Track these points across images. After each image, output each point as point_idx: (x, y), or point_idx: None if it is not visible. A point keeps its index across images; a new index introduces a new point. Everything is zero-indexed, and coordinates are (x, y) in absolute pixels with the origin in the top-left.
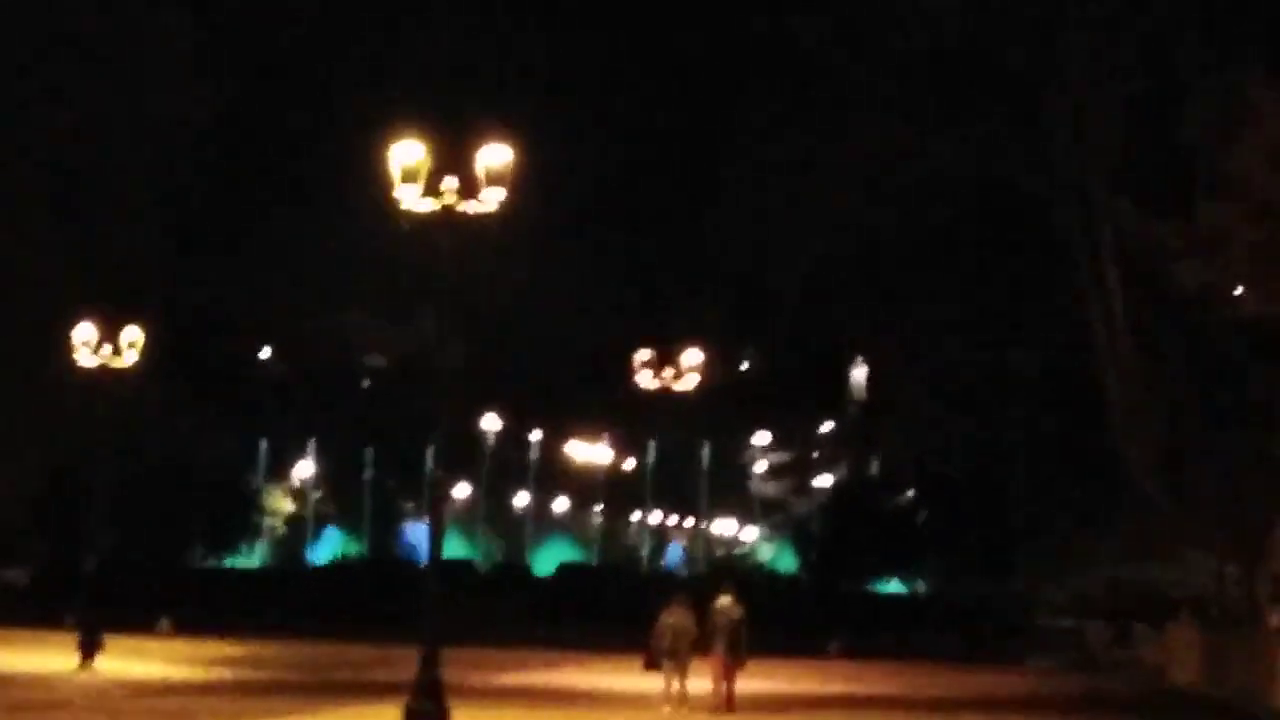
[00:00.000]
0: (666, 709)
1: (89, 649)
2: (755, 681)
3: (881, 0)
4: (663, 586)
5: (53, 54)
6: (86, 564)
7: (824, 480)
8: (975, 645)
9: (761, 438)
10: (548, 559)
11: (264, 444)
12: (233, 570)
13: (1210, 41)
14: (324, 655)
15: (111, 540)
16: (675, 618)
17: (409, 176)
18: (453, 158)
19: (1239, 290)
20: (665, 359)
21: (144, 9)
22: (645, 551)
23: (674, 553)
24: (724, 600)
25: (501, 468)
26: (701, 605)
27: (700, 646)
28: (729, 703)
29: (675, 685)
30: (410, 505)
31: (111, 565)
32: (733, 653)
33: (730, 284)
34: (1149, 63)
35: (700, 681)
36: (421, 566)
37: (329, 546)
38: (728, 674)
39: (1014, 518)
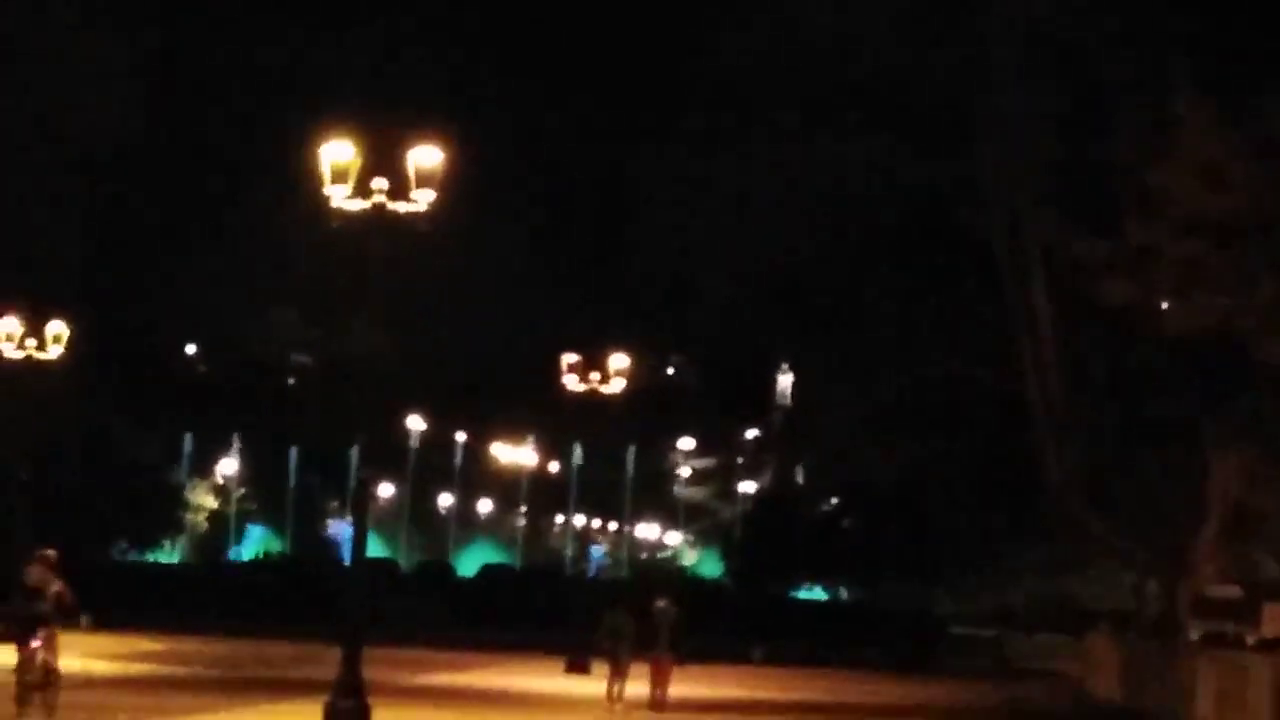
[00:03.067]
0: (618, 707)
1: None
2: (681, 687)
3: (809, 17)
4: (587, 590)
5: None
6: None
7: (748, 486)
8: (897, 653)
9: (686, 443)
10: (471, 560)
11: (188, 440)
12: (154, 565)
13: (1138, 58)
14: (245, 652)
15: (32, 534)
16: (614, 621)
17: (339, 176)
18: (383, 158)
19: (1164, 306)
20: (592, 363)
21: (71, 10)
22: (569, 554)
23: (596, 556)
24: (661, 603)
25: (426, 468)
26: (636, 609)
27: (641, 647)
28: (662, 702)
29: (616, 687)
30: (334, 504)
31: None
32: (673, 651)
33: (657, 289)
34: (1077, 79)
35: (638, 685)
36: (344, 565)
37: (251, 544)
38: (665, 674)
39: (936, 528)
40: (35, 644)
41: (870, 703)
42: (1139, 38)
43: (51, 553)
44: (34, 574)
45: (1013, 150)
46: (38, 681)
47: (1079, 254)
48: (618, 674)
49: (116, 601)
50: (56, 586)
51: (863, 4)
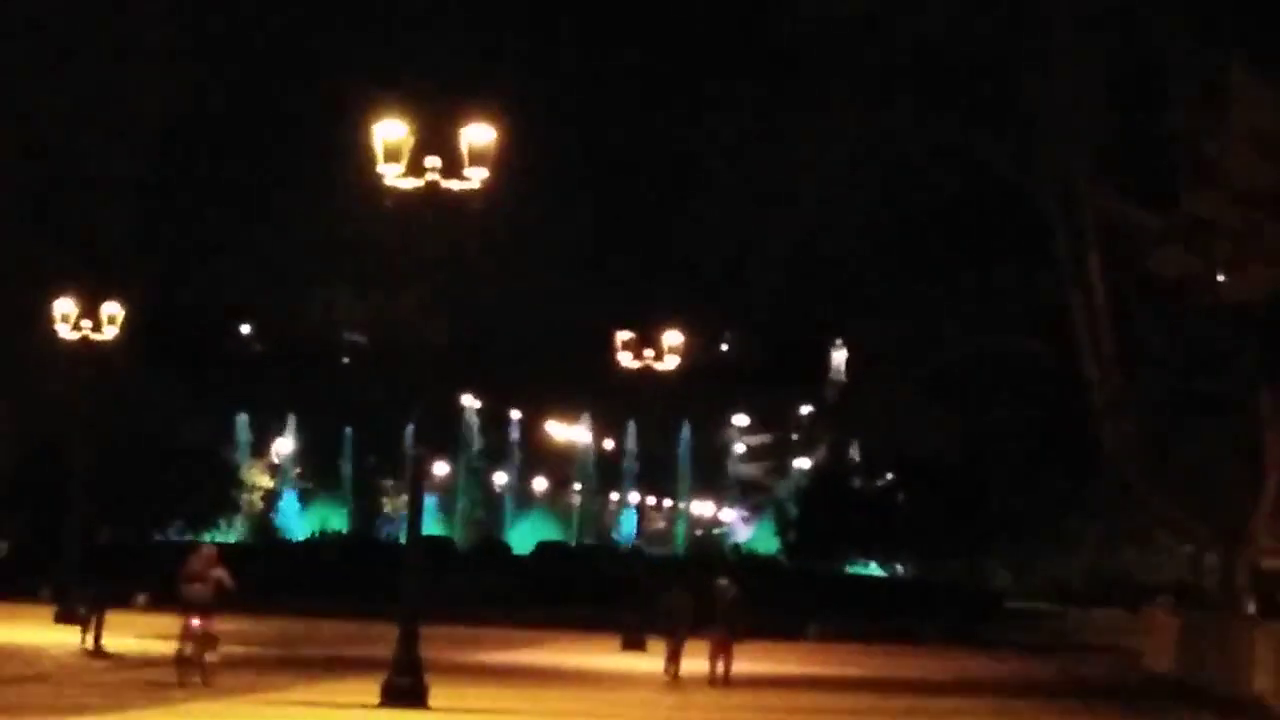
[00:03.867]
0: (675, 684)
1: (89, 623)
2: (737, 663)
3: None
4: (640, 566)
5: (31, 32)
6: (100, 537)
7: (803, 462)
8: (953, 628)
9: (741, 419)
10: (526, 537)
11: (244, 419)
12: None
13: (1193, 27)
14: (302, 631)
15: (90, 514)
16: (673, 599)
17: (392, 154)
18: (436, 136)
19: (1220, 277)
20: (646, 339)
21: None
22: (624, 532)
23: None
24: (721, 581)
25: (481, 446)
26: (694, 586)
27: (699, 625)
28: (725, 678)
29: (672, 664)
30: (389, 482)
31: (89, 539)
32: (730, 629)
33: (711, 265)
34: (1132, 49)
35: (696, 662)
36: (400, 543)
37: (308, 522)
38: (725, 650)
39: (992, 503)
40: (194, 623)
41: (926, 678)
42: (1194, 5)
43: (213, 546)
44: (196, 563)
45: (1067, 121)
46: (195, 657)
47: (1134, 225)
48: (674, 651)
49: (173, 581)
50: (217, 574)
51: None
